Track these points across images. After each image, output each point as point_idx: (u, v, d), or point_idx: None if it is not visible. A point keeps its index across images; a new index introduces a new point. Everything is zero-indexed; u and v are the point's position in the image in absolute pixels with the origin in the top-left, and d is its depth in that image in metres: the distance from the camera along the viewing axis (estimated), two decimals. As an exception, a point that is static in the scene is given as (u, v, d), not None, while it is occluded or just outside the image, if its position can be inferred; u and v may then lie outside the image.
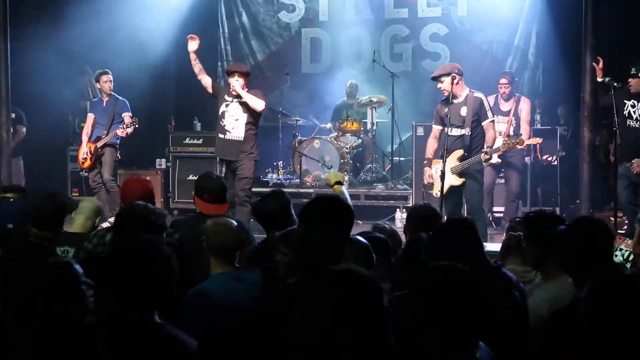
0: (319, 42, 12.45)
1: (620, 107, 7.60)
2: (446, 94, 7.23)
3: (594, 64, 7.85)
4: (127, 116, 9.11)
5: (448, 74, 7.20)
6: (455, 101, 7.21)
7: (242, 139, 7.88)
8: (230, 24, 12.80)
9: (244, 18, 12.70)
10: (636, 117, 7.66)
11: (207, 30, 12.44)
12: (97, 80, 9.38)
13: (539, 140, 8.97)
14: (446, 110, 7.20)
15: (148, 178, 9.78)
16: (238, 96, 7.86)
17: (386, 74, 10.73)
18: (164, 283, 2.56)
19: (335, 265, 2.57)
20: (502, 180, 9.23)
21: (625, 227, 7.91)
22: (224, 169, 8.03)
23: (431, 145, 7.47)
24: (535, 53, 11.58)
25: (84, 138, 9.20)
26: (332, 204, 2.93)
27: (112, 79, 9.21)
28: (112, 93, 9.26)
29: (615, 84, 7.50)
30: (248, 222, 7.71)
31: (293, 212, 4.38)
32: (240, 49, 12.76)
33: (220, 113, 7.98)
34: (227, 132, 7.94)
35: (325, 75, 12.35)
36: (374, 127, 10.57)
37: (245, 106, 7.87)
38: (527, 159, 9.28)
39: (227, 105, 7.95)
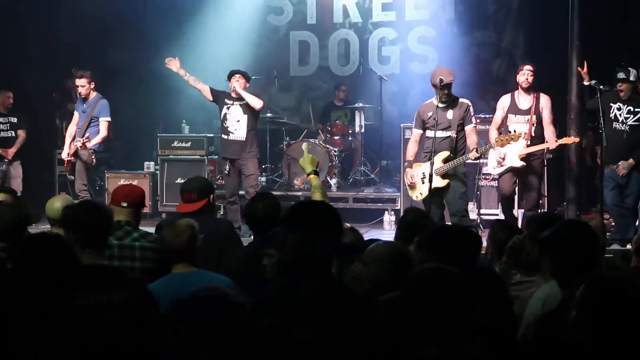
0: (307, 45, 12.46)
1: (606, 109, 7.66)
2: (448, 99, 7.25)
3: (579, 68, 7.91)
4: (103, 121, 8.74)
5: (453, 79, 7.26)
6: (440, 105, 7.24)
7: (245, 139, 8.48)
8: (218, 26, 12.77)
9: (232, 21, 12.68)
10: (622, 120, 7.72)
11: (194, 32, 12.44)
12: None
13: (575, 139, 8.01)
14: (430, 113, 7.27)
15: (136, 181, 9.82)
16: (238, 98, 8.41)
17: (374, 77, 10.76)
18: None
19: (315, 271, 2.58)
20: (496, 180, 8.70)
21: (612, 229, 7.96)
22: (227, 167, 8.52)
23: (411, 148, 7.51)
24: (522, 56, 11.63)
25: (67, 139, 8.92)
26: (314, 209, 2.90)
27: (85, 84, 8.74)
28: (96, 93, 8.90)
29: (601, 87, 7.56)
30: None
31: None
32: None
33: (222, 116, 8.55)
34: (230, 133, 8.51)
35: (313, 78, 12.38)
36: (362, 130, 10.59)
37: (245, 107, 8.43)
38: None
39: (228, 108, 8.51)
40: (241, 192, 8.91)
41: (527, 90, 7.87)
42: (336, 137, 10.59)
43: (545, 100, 7.90)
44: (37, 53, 10.23)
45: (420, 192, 7.33)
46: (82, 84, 8.78)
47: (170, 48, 11.49)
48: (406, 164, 7.59)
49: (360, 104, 10.75)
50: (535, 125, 7.82)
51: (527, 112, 7.85)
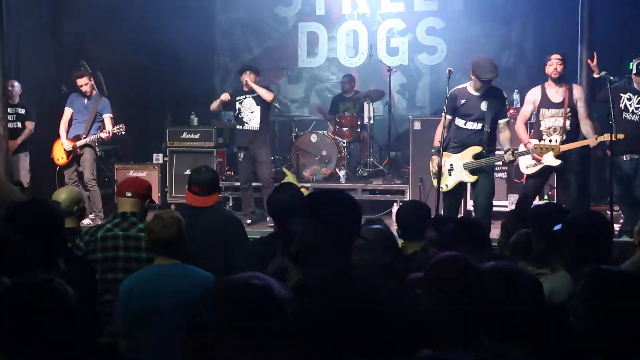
0: (316, 36, 12.45)
1: (616, 100, 7.59)
2: (486, 91, 6.95)
3: (589, 60, 7.84)
4: (107, 117, 8.92)
5: (497, 76, 6.94)
6: (475, 93, 7.02)
7: (258, 129, 9.00)
8: (226, 18, 12.80)
9: (240, 12, 12.69)
10: (632, 110, 7.67)
11: (202, 24, 12.44)
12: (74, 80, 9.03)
13: (620, 135, 7.21)
14: (463, 101, 7.00)
15: (145, 173, 9.87)
16: (250, 91, 8.96)
17: (383, 68, 10.74)
18: None
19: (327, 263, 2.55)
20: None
21: (622, 220, 7.92)
22: (242, 154, 9.09)
23: (440, 133, 7.08)
24: (532, 47, 11.59)
25: (62, 133, 8.98)
26: (329, 198, 2.80)
27: (87, 81, 8.90)
28: (96, 91, 9.10)
29: (611, 78, 7.46)
30: None
31: None
32: (237, 44, 12.76)
33: (237, 109, 9.11)
34: (245, 124, 9.06)
35: (322, 69, 12.39)
36: (371, 121, 10.57)
37: (258, 99, 8.96)
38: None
39: (240, 103, 9.06)
40: (255, 184, 9.23)
41: (558, 81, 7.42)
42: (345, 129, 10.58)
43: (578, 92, 7.46)
44: (46, 45, 10.24)
45: (445, 184, 7.10)
46: (85, 82, 8.94)
47: (178, 40, 11.53)
48: (433, 150, 7.18)
49: (369, 96, 10.73)
50: (570, 118, 7.39)
51: (560, 105, 7.41)
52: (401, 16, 12.05)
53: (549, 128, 7.39)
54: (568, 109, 7.36)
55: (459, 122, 7.08)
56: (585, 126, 7.35)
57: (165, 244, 3.87)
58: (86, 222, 8.27)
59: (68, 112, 9.07)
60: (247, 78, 8.99)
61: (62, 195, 4.81)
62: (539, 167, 7.42)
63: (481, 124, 6.99)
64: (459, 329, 2.38)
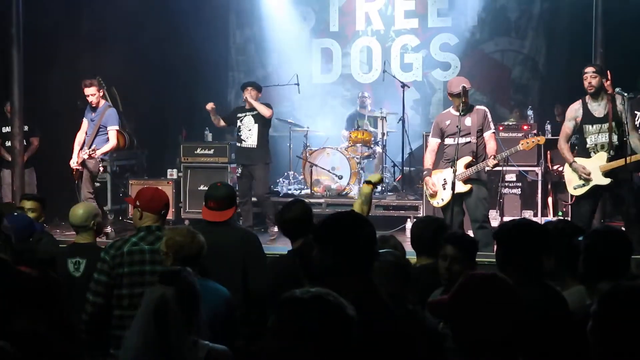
0: (330, 52, 12.50)
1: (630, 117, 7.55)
2: (465, 106, 7.15)
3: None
4: (112, 129, 8.68)
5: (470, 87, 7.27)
6: (458, 113, 7.19)
7: (256, 146, 9.13)
8: (240, 34, 12.88)
9: (255, 28, 12.77)
10: (647, 127, 7.62)
11: (217, 41, 12.53)
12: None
13: None
14: (448, 122, 7.23)
15: (159, 188, 9.88)
16: (250, 109, 9.11)
17: (396, 84, 10.76)
18: None
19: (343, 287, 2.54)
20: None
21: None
22: (240, 170, 9.31)
23: (429, 158, 7.43)
24: (546, 63, 11.59)
25: (76, 147, 8.77)
26: (342, 223, 2.78)
27: (95, 92, 8.63)
28: (105, 102, 8.91)
29: (625, 94, 7.36)
30: (273, 211, 8.78)
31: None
32: (251, 60, 12.83)
33: (237, 127, 9.30)
34: (243, 141, 9.22)
35: (336, 85, 12.42)
36: (385, 137, 10.59)
37: (256, 117, 9.08)
38: (537, 169, 9.21)
39: (240, 120, 9.21)
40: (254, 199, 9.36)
41: (595, 95, 6.91)
42: (359, 145, 10.59)
43: (621, 102, 6.89)
44: (63, 60, 10.33)
45: (441, 198, 7.25)
46: (92, 93, 8.64)
47: (193, 56, 11.62)
48: (425, 172, 7.51)
49: (383, 111, 10.75)
50: (616, 133, 6.83)
51: (604, 119, 6.87)
52: (415, 32, 12.11)
53: (596, 145, 6.93)
54: (613, 123, 6.85)
55: (448, 141, 7.28)
56: (633, 139, 6.79)
57: (192, 257, 3.89)
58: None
59: (84, 124, 8.93)
60: (248, 95, 9.11)
61: (79, 211, 4.87)
62: (587, 187, 6.94)
63: (469, 138, 7.18)
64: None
